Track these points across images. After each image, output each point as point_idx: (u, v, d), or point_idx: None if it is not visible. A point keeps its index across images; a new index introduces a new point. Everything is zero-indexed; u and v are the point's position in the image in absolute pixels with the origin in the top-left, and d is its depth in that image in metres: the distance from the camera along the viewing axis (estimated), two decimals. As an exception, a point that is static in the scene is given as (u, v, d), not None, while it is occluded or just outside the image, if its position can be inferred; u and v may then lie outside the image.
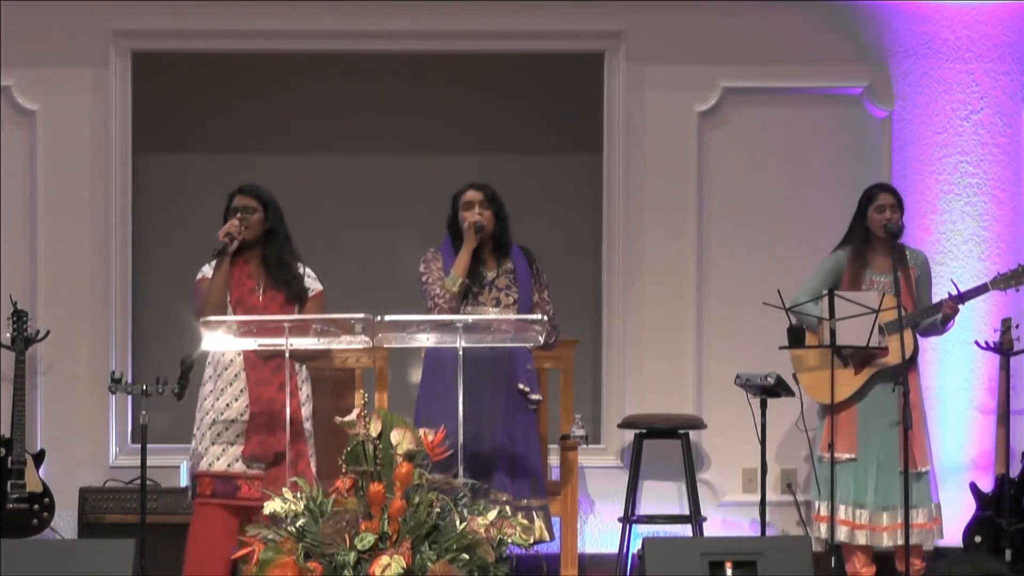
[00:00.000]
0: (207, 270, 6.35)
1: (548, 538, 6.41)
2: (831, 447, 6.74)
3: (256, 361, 6.22)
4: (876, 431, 6.84)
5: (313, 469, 6.27)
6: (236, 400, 6.24)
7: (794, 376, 7.00)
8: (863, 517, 6.86)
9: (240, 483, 6.17)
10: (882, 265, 6.93)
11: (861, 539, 6.86)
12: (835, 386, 6.72)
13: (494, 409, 6.31)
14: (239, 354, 6.25)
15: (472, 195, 6.43)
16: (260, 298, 6.31)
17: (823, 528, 6.84)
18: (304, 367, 6.36)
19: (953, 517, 7.12)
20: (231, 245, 6.24)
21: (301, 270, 6.40)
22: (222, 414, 6.22)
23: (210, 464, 6.20)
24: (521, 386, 6.37)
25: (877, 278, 6.93)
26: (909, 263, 6.95)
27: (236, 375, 6.26)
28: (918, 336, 6.95)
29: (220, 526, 6.21)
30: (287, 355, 5.96)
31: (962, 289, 6.89)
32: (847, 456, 6.86)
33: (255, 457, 6.18)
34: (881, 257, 6.95)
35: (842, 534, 6.86)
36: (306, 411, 6.31)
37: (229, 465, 6.20)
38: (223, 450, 6.21)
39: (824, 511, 6.82)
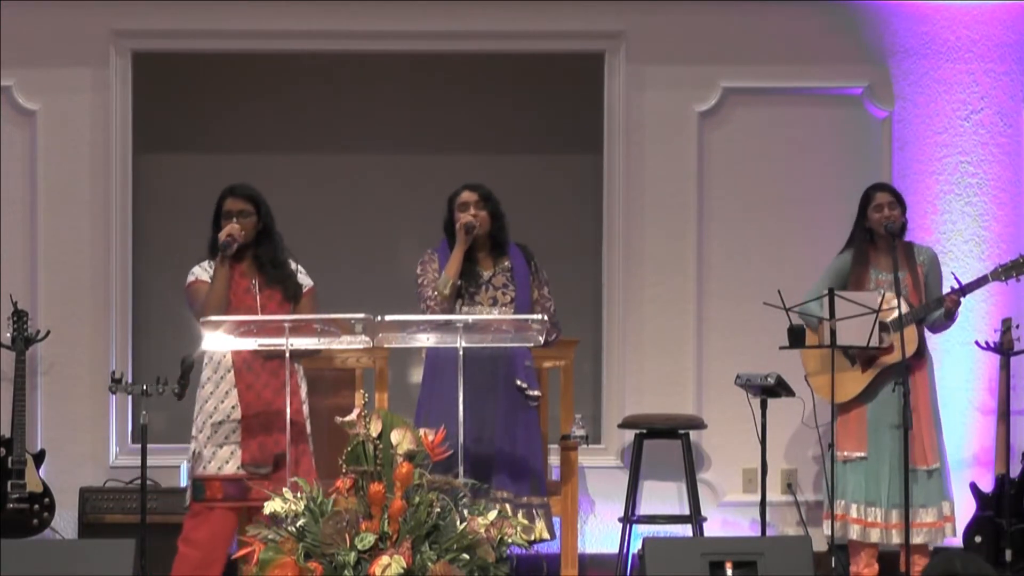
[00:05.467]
0: (199, 272, 6.35)
1: (549, 537, 6.41)
2: (831, 447, 6.76)
3: (252, 362, 6.20)
4: (887, 430, 6.84)
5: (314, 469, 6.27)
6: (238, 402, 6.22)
7: (806, 379, 7.00)
8: (875, 515, 6.86)
9: (250, 483, 6.16)
10: (887, 264, 6.92)
11: (874, 537, 6.87)
12: (843, 385, 6.75)
13: (495, 408, 6.32)
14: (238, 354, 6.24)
15: (467, 196, 6.44)
16: (257, 297, 6.30)
17: (835, 526, 6.83)
18: (301, 366, 6.34)
19: (953, 517, 7.13)
20: (232, 247, 6.24)
21: (293, 267, 6.40)
22: (228, 415, 6.20)
23: (219, 468, 6.17)
24: (519, 382, 6.36)
25: (883, 277, 6.93)
26: (917, 260, 6.95)
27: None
28: (927, 332, 6.96)
29: (227, 528, 6.20)
30: (287, 356, 5.96)
31: (963, 282, 6.89)
32: (857, 454, 6.87)
33: (254, 462, 6.16)
34: (885, 256, 6.95)
35: (854, 532, 6.88)
36: (306, 410, 6.31)
37: (239, 467, 6.18)
38: (231, 452, 6.19)
39: (838, 510, 6.82)
